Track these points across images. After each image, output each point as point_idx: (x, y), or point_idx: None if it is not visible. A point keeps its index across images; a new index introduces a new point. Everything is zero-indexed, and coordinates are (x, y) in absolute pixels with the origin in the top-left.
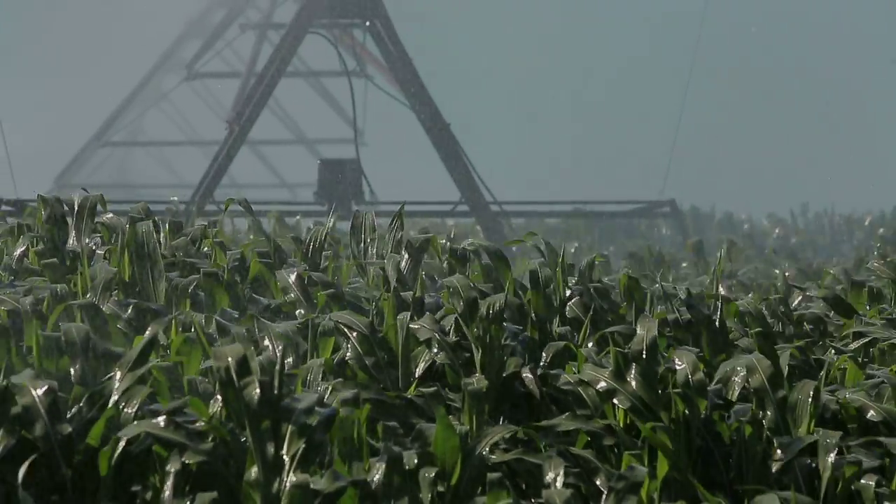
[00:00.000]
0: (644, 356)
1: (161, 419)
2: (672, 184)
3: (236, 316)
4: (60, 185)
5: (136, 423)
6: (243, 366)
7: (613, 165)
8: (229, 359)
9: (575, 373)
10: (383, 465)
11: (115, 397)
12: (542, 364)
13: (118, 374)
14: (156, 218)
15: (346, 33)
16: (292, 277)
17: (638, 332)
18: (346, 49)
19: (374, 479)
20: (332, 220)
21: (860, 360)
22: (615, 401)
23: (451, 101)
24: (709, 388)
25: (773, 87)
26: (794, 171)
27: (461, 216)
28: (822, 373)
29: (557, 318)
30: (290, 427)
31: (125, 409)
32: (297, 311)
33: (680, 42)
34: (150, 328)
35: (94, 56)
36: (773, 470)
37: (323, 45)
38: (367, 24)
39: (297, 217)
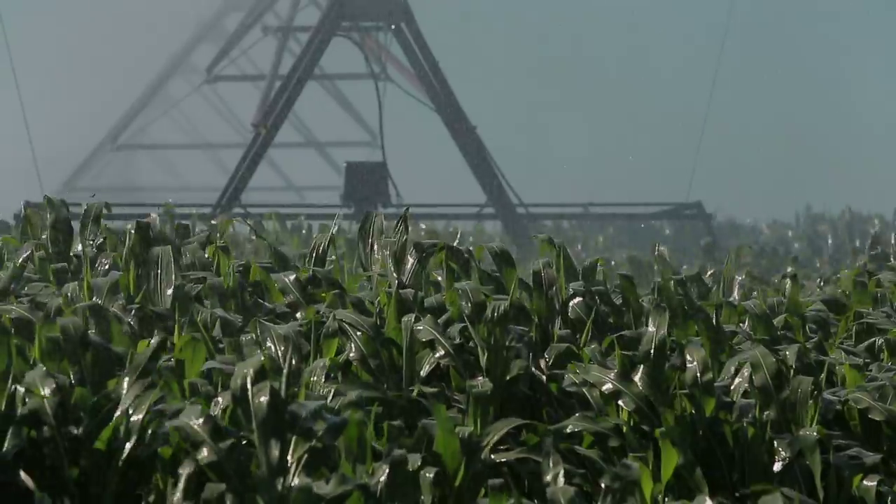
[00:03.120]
0: (652, 352)
1: (197, 411)
2: (696, 187)
3: (239, 319)
4: (70, 189)
5: (178, 418)
6: (258, 373)
7: (636, 168)
8: (244, 369)
9: (577, 373)
10: (387, 469)
11: (125, 400)
12: (545, 366)
13: (126, 381)
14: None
15: (368, 36)
16: (290, 278)
17: (649, 326)
18: (369, 52)
19: (379, 482)
20: (337, 222)
21: (864, 360)
22: (620, 402)
23: (471, 103)
24: (715, 385)
25: (798, 90)
26: (816, 174)
27: (487, 218)
28: (823, 373)
29: (559, 320)
30: (296, 430)
31: (133, 417)
32: (297, 314)
33: (704, 43)
34: (157, 334)
35: (103, 60)
36: (776, 470)
37: (336, 47)
38: (393, 27)
39: (300, 217)
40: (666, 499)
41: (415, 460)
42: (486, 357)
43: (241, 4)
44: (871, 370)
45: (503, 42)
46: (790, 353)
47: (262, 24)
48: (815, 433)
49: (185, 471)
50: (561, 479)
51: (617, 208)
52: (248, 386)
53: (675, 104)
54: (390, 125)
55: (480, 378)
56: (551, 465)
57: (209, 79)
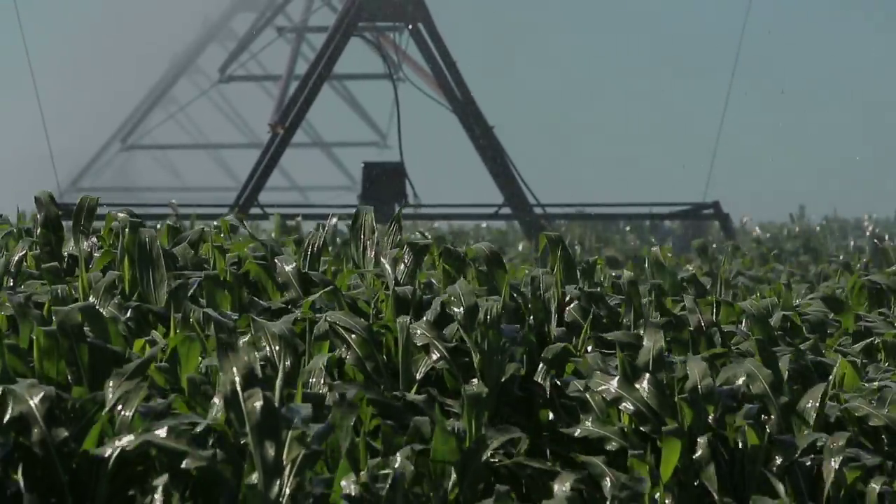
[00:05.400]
0: (651, 365)
1: (163, 430)
2: (713, 187)
3: (234, 317)
4: (76, 189)
5: (135, 434)
6: (248, 377)
7: (651, 169)
8: (234, 369)
9: (579, 381)
10: (380, 474)
11: (110, 402)
12: (541, 368)
13: (113, 383)
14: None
15: (383, 36)
16: (289, 267)
17: (645, 343)
18: (384, 53)
19: (366, 486)
20: (335, 220)
21: (861, 361)
22: (621, 407)
23: (489, 106)
24: (718, 388)
25: (814, 91)
26: (826, 175)
27: (505, 219)
28: (831, 377)
29: (555, 322)
30: (290, 434)
31: (123, 413)
32: (295, 311)
33: (722, 44)
34: (149, 349)
35: (110, 60)
36: (776, 473)
37: (346, 47)
38: (410, 27)
39: (299, 217)
40: (666, 500)
41: (408, 465)
42: (479, 359)
43: (249, 5)
44: (868, 371)
45: (512, 40)
46: (783, 362)
47: (275, 25)
48: (822, 435)
49: (162, 481)
50: (567, 488)
51: (634, 208)
52: (239, 390)
53: (690, 103)
54: (405, 125)
55: (475, 380)
56: (560, 481)
57: (223, 79)
